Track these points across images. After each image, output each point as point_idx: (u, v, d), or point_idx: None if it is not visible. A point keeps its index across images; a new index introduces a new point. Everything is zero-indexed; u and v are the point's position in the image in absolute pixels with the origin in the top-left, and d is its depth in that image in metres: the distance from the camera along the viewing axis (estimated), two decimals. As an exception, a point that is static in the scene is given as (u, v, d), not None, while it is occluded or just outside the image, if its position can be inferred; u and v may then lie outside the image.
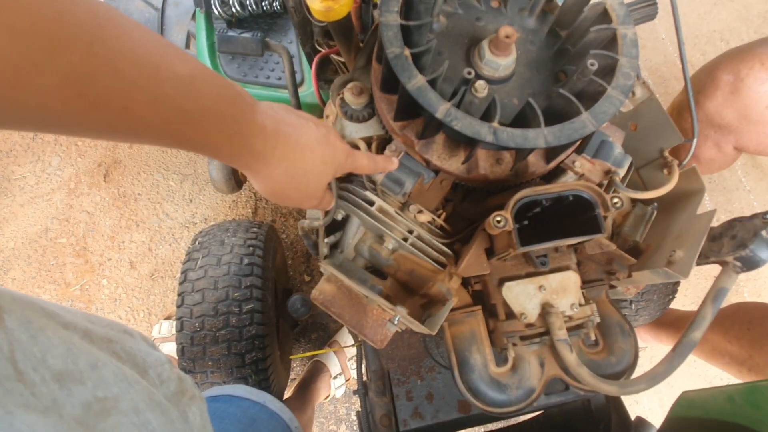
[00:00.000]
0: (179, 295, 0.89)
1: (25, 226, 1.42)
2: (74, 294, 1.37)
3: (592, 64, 0.50)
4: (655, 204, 0.67)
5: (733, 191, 1.67)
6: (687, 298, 1.53)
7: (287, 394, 1.24)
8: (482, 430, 0.95)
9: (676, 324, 1.23)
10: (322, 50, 0.79)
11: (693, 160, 0.91)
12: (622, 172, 0.60)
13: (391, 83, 0.55)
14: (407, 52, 0.50)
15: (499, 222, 0.48)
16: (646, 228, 0.67)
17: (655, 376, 0.53)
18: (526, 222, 0.52)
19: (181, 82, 0.31)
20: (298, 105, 0.85)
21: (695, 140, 0.70)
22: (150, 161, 1.48)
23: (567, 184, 0.50)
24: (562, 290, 0.55)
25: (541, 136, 0.49)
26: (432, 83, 0.51)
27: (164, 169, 1.47)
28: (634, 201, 0.69)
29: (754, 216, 0.51)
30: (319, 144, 0.45)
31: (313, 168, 0.45)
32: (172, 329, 1.27)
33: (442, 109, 0.49)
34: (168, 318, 1.31)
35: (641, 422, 0.81)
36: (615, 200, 0.49)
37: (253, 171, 0.41)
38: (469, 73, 0.49)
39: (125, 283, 1.37)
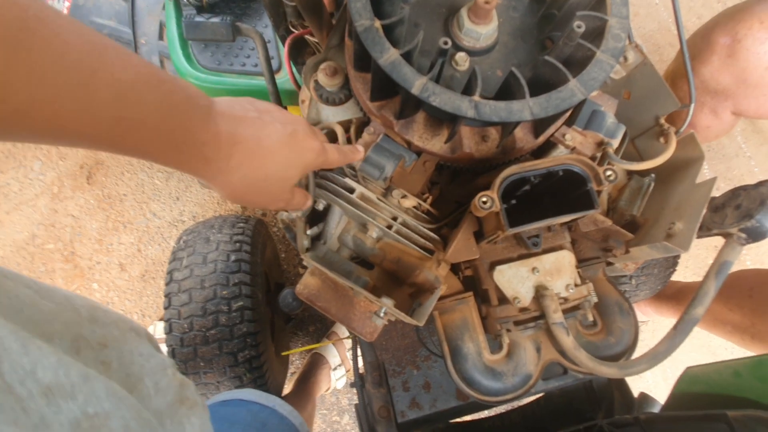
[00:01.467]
0: (166, 296, 0.86)
1: (12, 233, 1.39)
2: (66, 300, 1.34)
3: (579, 27, 0.47)
4: (653, 175, 0.64)
5: (732, 158, 1.63)
6: (688, 269, 1.51)
7: (287, 388, 1.22)
8: (485, 414, 0.94)
9: (677, 296, 1.21)
10: (296, 31, 0.74)
11: (689, 128, 0.88)
12: (615, 143, 0.57)
13: (364, 60, 0.52)
14: (378, 23, 0.46)
15: (485, 203, 0.45)
16: (644, 201, 0.64)
17: (656, 355, 0.50)
18: (514, 201, 0.48)
19: (119, 89, 0.29)
20: (276, 92, 0.81)
21: (692, 105, 0.67)
22: (133, 160, 1.44)
23: (556, 158, 0.46)
24: (556, 271, 0.52)
25: (526, 108, 0.46)
26: (407, 57, 0.47)
27: (148, 167, 1.44)
28: (630, 173, 0.65)
29: (759, 184, 0.48)
30: (283, 146, 0.41)
31: (275, 173, 0.42)
32: (167, 330, 1.25)
33: (418, 84, 0.45)
34: (162, 319, 1.29)
35: (645, 398, 0.80)
36: (608, 173, 0.46)
37: (206, 178, 0.39)
38: (446, 43, 0.45)
39: (116, 285, 1.35)
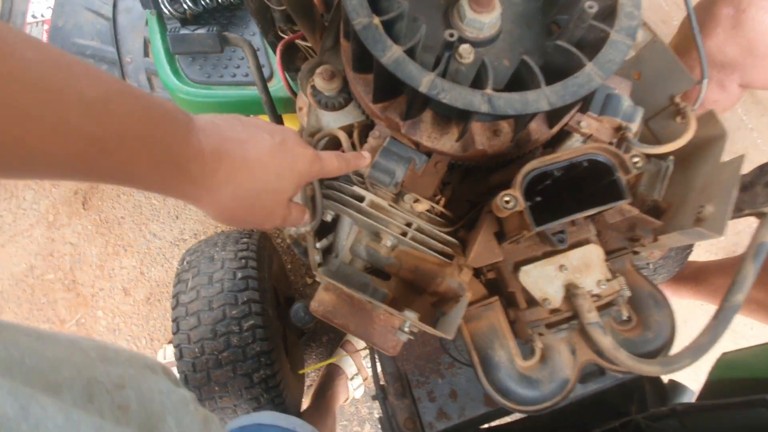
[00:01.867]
0: (173, 321, 0.83)
1: (9, 266, 1.36)
2: (71, 330, 1.31)
3: (591, 7, 0.44)
4: (671, 157, 0.61)
5: (735, 131, 1.61)
6: (701, 247, 1.48)
7: (305, 402, 1.19)
8: (515, 417, 0.91)
9: (696, 277, 1.18)
10: (286, 37, 0.71)
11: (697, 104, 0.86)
12: (634, 126, 0.54)
13: (364, 60, 0.49)
14: (377, 20, 0.43)
15: (507, 202, 0.42)
16: (664, 184, 0.61)
17: (699, 348, 0.47)
18: (539, 198, 0.46)
19: (91, 107, 0.27)
20: (270, 101, 0.78)
21: (705, 81, 0.64)
22: (128, 182, 1.41)
23: (579, 148, 0.44)
24: (585, 267, 0.49)
25: (543, 98, 0.43)
26: (410, 54, 0.44)
27: (144, 188, 1.40)
28: (647, 156, 0.63)
29: (790, 157, 0.45)
30: (273, 156, 0.39)
31: (267, 185, 0.39)
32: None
33: (425, 81, 0.42)
34: (172, 342, 1.26)
35: (675, 386, 0.77)
36: (635, 160, 0.43)
37: (192, 199, 0.36)
38: (451, 35, 0.42)
39: (122, 311, 1.32)
